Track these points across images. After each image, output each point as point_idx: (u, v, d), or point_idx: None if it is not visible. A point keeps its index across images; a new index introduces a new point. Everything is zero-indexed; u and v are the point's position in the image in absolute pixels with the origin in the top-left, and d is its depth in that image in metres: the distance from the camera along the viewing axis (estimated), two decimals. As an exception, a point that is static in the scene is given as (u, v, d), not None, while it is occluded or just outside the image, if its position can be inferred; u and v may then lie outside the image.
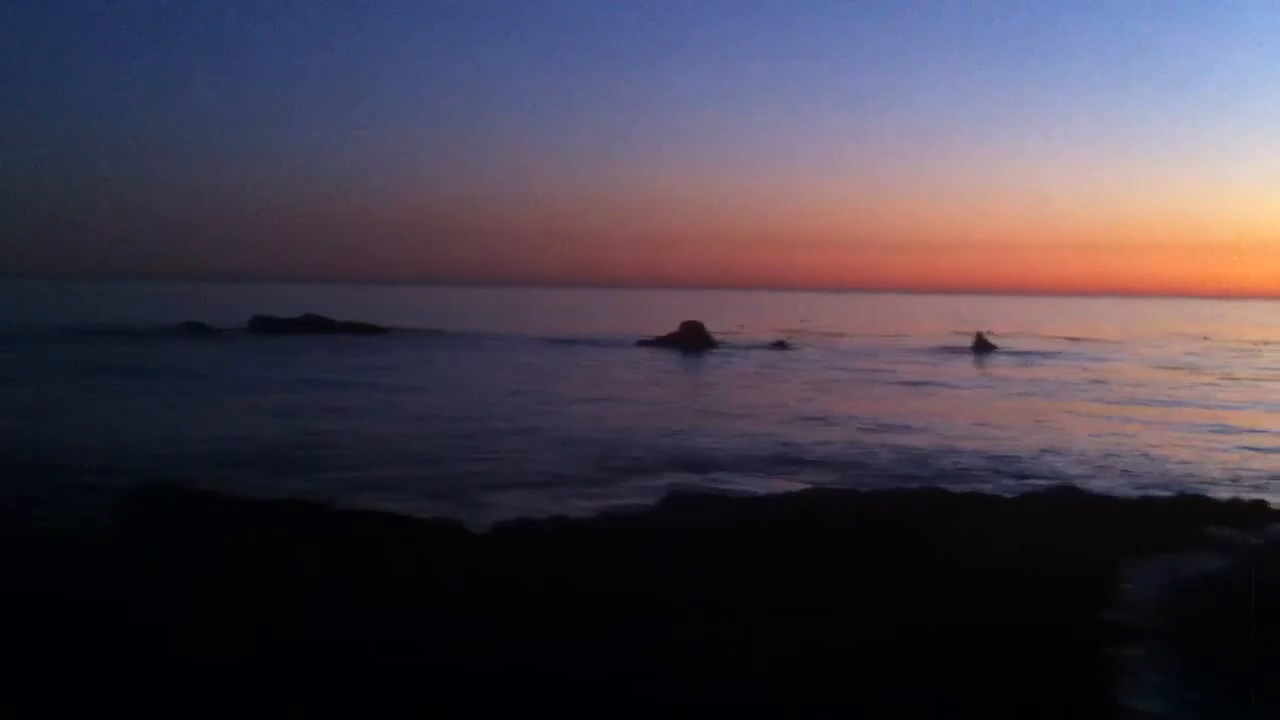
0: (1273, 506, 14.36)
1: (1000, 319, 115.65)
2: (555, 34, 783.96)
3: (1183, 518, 13.38)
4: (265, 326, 65.91)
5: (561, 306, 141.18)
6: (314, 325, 66.24)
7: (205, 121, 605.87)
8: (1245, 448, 25.21)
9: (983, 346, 61.23)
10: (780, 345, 60.88)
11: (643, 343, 58.97)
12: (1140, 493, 16.58)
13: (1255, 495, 16.08)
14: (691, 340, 58.49)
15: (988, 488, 17.34)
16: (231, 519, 11.74)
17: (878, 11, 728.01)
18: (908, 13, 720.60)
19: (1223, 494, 15.94)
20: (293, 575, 9.76)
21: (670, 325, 62.62)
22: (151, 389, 34.06)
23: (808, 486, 16.58)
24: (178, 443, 22.45)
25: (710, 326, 62.20)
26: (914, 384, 41.20)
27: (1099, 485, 17.32)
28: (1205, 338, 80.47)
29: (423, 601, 9.13)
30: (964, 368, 50.98)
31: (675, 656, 8.17)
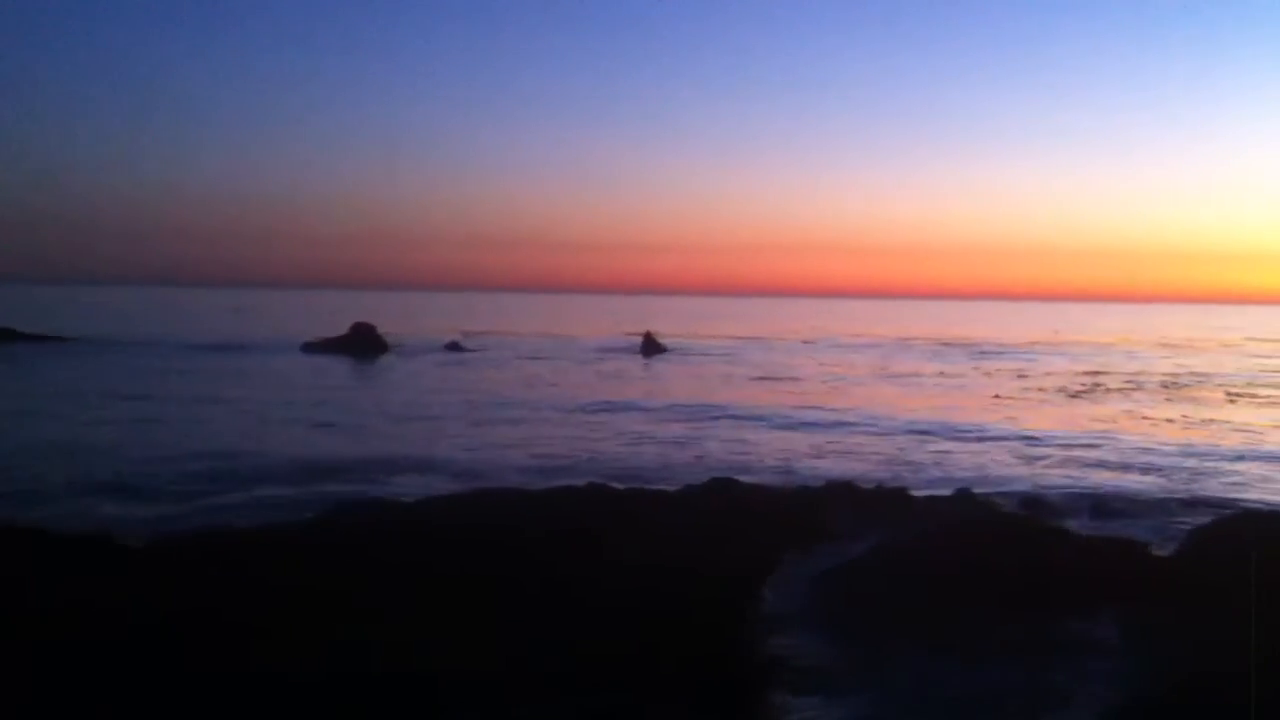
0: (914, 494, 15.07)
1: (688, 319, 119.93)
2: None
3: (831, 506, 13.80)
4: None
5: (227, 307, 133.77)
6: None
7: None
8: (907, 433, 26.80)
9: (651, 345, 62.77)
10: (455, 347, 59.98)
11: (309, 346, 56.30)
12: (793, 483, 17.06)
13: (897, 484, 16.88)
14: (362, 343, 56.40)
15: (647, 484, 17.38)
16: None
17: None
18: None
19: (869, 482, 16.57)
20: None
21: (343, 327, 59.96)
22: None
23: (475, 489, 16.04)
24: None
25: (386, 328, 60.42)
26: (589, 382, 41.50)
27: (752, 478, 17.63)
28: (858, 334, 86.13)
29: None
30: (622, 364, 52.14)
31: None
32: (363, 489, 17.56)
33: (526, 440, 25.16)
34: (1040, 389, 42.16)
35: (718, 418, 30.51)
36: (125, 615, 8.56)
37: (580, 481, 16.09)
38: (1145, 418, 32.08)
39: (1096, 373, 50.93)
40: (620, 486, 15.65)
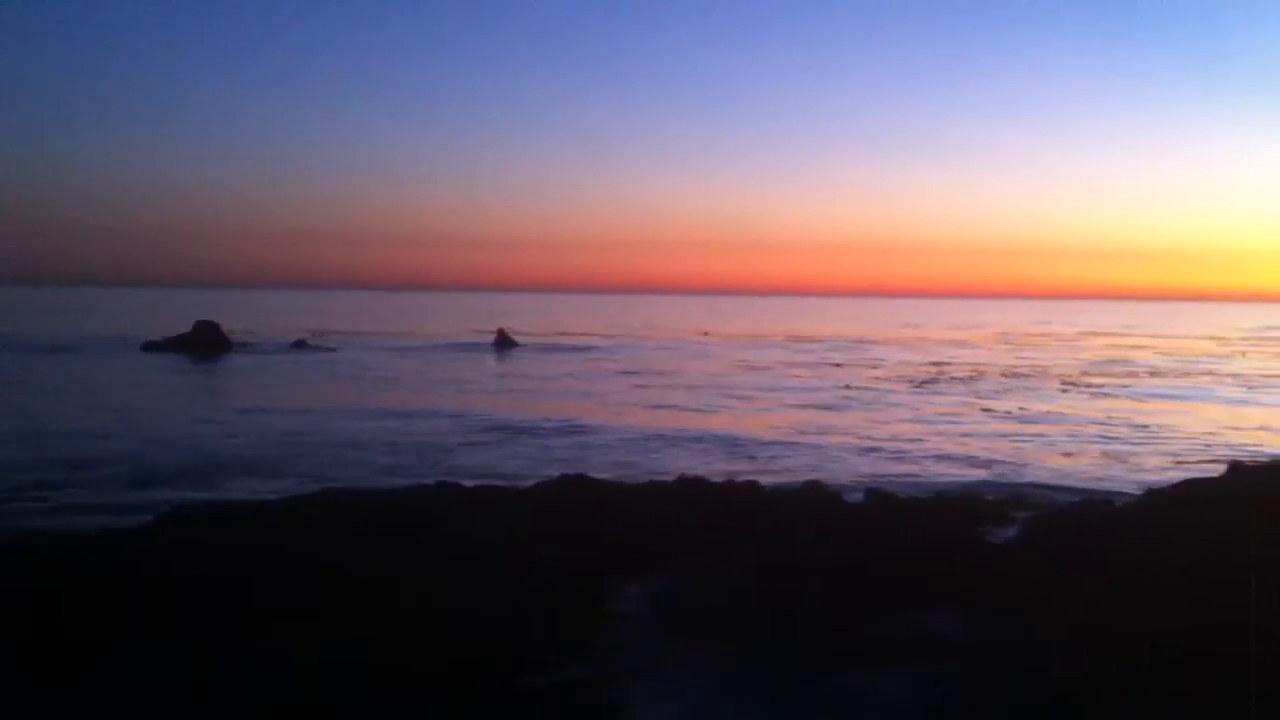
0: (764, 486, 15.14)
1: (550, 315, 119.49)
2: None
3: (683, 501, 13.73)
4: None
5: (66, 307, 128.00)
6: None
7: None
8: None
9: (504, 342, 62.43)
10: (301, 345, 58.47)
11: (149, 345, 54.10)
12: (644, 478, 16.99)
13: (748, 477, 16.95)
14: (204, 342, 54.44)
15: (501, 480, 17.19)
16: None
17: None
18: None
19: (719, 475, 16.60)
20: None
21: (187, 325, 57.64)
22: None
23: (320, 488, 15.55)
24: None
25: (234, 325, 58.52)
26: (440, 380, 40.90)
27: (603, 474, 17.50)
28: (705, 332, 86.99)
29: None
30: (468, 362, 51.66)
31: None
32: (200, 494, 16.92)
33: (370, 440, 24.58)
34: (888, 378, 43.29)
35: (555, 413, 30.36)
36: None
37: (429, 479, 15.80)
38: (985, 409, 33.14)
39: (942, 364, 52.61)
40: (470, 483, 15.36)
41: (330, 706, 7.52)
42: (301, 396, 34.29)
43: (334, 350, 58.04)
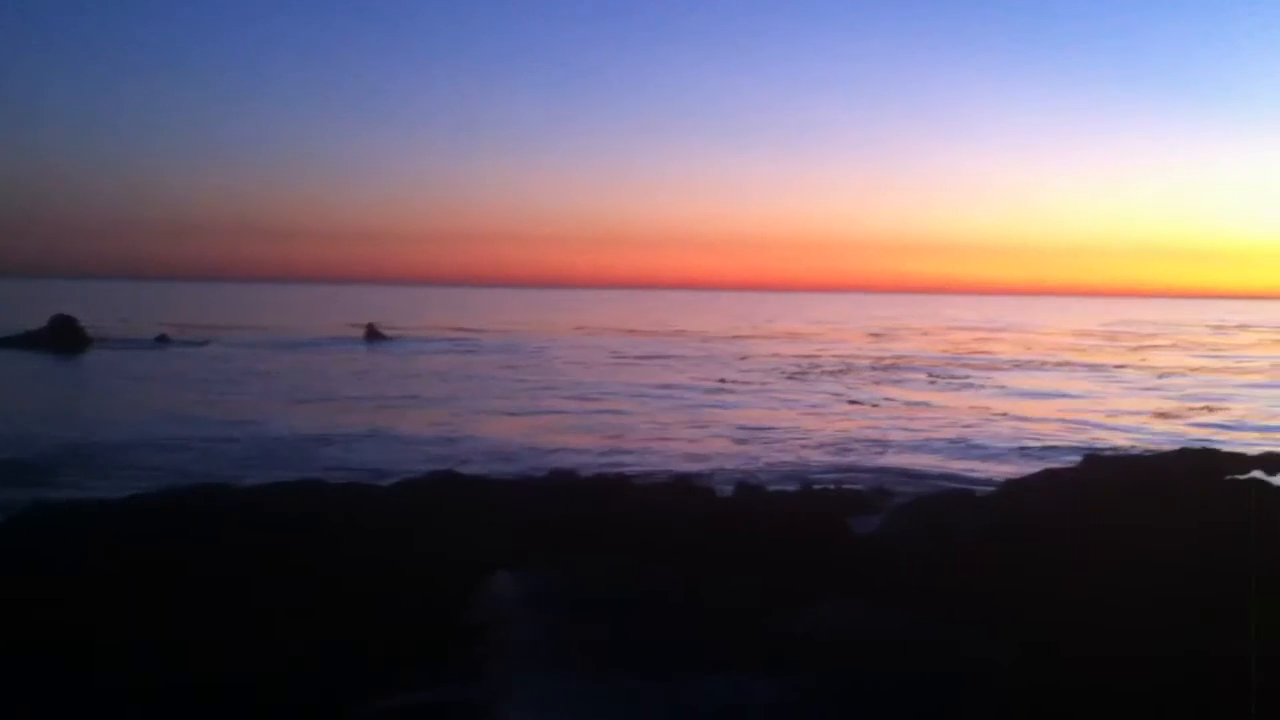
0: (634, 482, 15.06)
1: (428, 309, 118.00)
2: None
3: (554, 495, 13.58)
4: None
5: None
6: None
7: None
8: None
9: (374, 335, 61.78)
10: (164, 340, 56.54)
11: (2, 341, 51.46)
12: (515, 473, 16.78)
13: (617, 471, 16.88)
14: (59, 337, 52.02)
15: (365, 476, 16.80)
16: None
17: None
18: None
19: (589, 470, 16.48)
20: None
21: (42, 319, 54.79)
22: None
23: (180, 485, 14.91)
24: None
25: (95, 320, 56.18)
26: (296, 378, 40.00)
27: (475, 468, 17.25)
28: (581, 326, 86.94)
29: None
30: (339, 357, 50.78)
31: None
32: (45, 492, 16.14)
33: (233, 436, 23.87)
34: (760, 371, 43.81)
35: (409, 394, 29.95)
36: None
37: (292, 476, 15.35)
38: (853, 401, 33.75)
39: (812, 356, 53.53)
40: (336, 481, 14.93)
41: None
42: (152, 397, 33.07)
43: (202, 345, 56.24)
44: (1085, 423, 29.06)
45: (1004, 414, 30.13)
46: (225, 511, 11.99)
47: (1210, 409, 32.32)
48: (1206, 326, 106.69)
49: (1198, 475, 13.93)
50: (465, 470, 15.89)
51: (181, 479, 17.69)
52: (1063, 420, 29.31)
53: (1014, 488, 13.65)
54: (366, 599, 9.35)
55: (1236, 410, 31.96)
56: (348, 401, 31.35)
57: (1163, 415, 30.53)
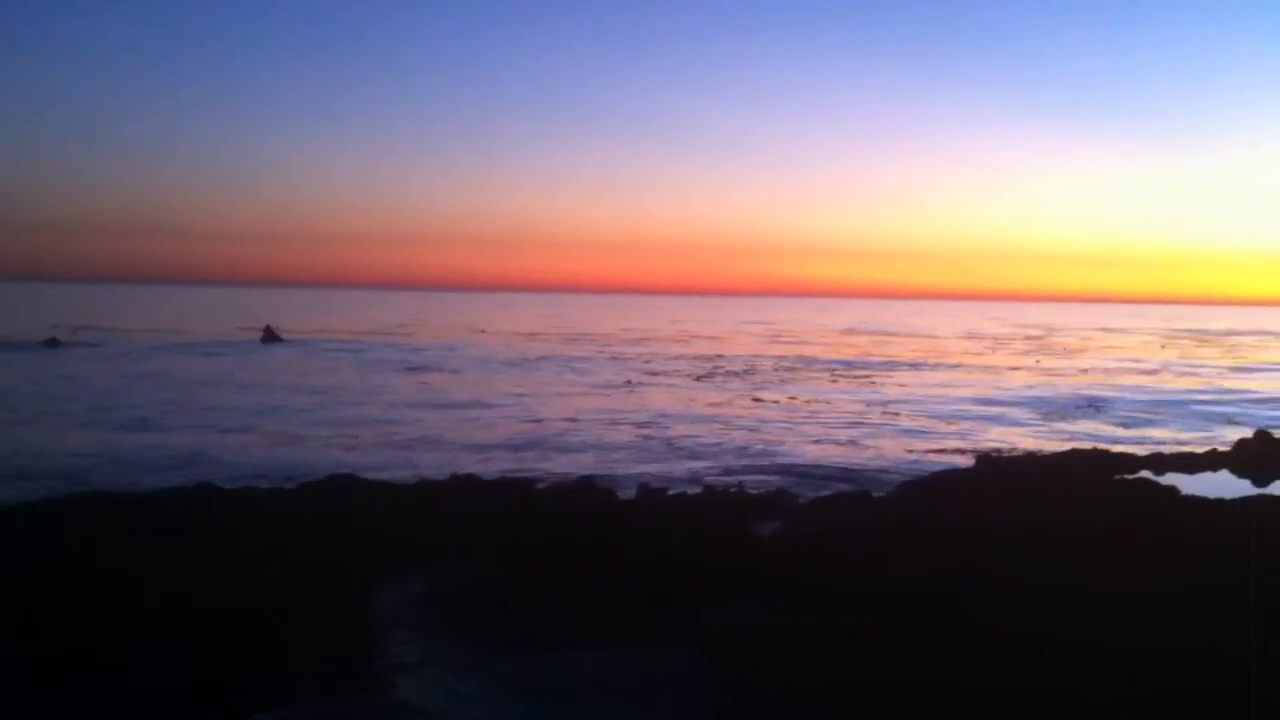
0: (538, 486, 15.10)
1: (330, 312, 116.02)
2: None
3: (455, 499, 13.56)
4: None
5: None
6: None
7: None
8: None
9: (271, 338, 61.18)
10: (54, 343, 54.84)
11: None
12: (415, 477, 16.70)
13: (521, 475, 16.87)
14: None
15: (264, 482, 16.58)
16: None
17: None
18: None
19: (492, 474, 16.47)
20: None
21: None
22: None
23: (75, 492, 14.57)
24: None
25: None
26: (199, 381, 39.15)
27: (376, 474, 17.12)
28: (482, 330, 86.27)
29: None
30: (228, 358, 49.77)
31: None
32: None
33: (127, 442, 23.34)
34: (667, 373, 44.13)
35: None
36: None
37: (189, 481, 15.11)
38: (757, 399, 34.17)
39: (717, 358, 54.04)
40: (230, 486, 14.72)
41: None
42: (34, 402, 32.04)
43: (96, 347, 54.71)
44: (977, 418, 29.86)
45: (899, 414, 30.75)
46: (110, 514, 11.76)
47: (1097, 408, 33.33)
48: (1098, 329, 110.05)
49: (1089, 475, 14.45)
50: (366, 475, 15.82)
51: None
52: (955, 418, 29.99)
53: (908, 489, 13.98)
54: (267, 596, 9.29)
55: (1120, 411, 32.98)
56: (252, 394, 30.79)
57: (1050, 415, 31.38)
